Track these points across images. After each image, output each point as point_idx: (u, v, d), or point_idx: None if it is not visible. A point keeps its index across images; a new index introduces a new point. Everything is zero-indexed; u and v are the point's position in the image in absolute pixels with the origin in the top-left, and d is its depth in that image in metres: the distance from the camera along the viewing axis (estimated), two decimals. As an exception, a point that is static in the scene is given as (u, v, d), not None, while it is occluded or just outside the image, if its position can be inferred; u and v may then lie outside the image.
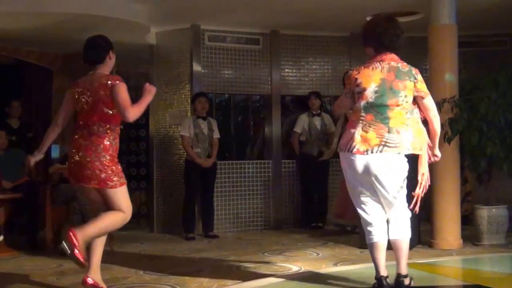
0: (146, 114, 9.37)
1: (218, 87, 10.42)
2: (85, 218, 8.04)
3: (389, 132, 5.27)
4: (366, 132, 5.30)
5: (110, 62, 5.75)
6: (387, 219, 5.48)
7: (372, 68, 5.38)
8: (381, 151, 5.25)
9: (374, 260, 5.41)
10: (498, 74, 8.06)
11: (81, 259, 5.24)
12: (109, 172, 5.46)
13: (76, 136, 5.57)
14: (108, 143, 5.49)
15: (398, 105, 5.30)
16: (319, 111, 10.37)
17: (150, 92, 5.57)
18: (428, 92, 5.46)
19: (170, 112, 10.14)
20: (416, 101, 5.43)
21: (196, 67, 10.09)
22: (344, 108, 5.85)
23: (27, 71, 11.52)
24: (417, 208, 5.45)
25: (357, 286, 5.81)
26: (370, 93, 5.31)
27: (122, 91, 5.44)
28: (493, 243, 8.05)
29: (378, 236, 5.40)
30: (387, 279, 5.34)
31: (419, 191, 5.44)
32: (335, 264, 6.95)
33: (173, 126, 10.19)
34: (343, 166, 5.48)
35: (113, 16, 8.71)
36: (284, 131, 10.83)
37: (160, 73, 10.44)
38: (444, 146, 7.69)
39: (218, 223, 9.91)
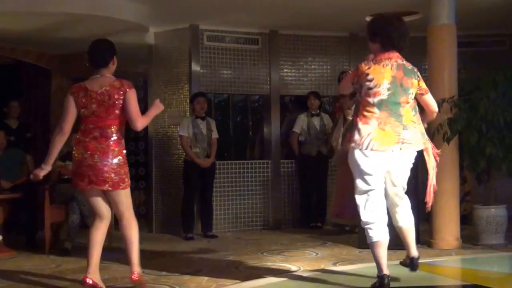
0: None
1: (217, 87, 10.41)
2: (84, 218, 8.07)
3: (404, 129, 5.40)
4: (383, 129, 5.37)
5: (113, 67, 5.79)
6: (392, 208, 5.64)
7: (383, 65, 5.44)
8: (400, 149, 5.39)
9: (377, 259, 5.43)
10: (497, 74, 8.06)
11: None
12: (122, 173, 5.58)
13: (86, 139, 5.58)
14: (122, 145, 5.63)
15: (407, 103, 5.45)
16: (318, 111, 10.37)
17: (158, 108, 5.81)
18: (427, 89, 5.66)
19: (169, 112, 10.13)
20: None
21: (195, 67, 10.08)
22: (347, 91, 5.82)
23: (25, 71, 11.52)
24: (431, 201, 5.72)
25: (356, 286, 5.80)
26: (383, 90, 5.37)
27: (134, 99, 5.62)
28: (492, 243, 8.04)
29: (382, 234, 5.44)
30: (389, 278, 5.37)
31: (434, 182, 5.68)
32: (334, 264, 6.94)
33: (172, 126, 10.18)
34: (355, 162, 5.45)
35: (111, 16, 8.71)
36: (283, 131, 10.82)
37: (158, 73, 10.43)
38: (443, 146, 7.69)
39: (217, 223, 9.91)
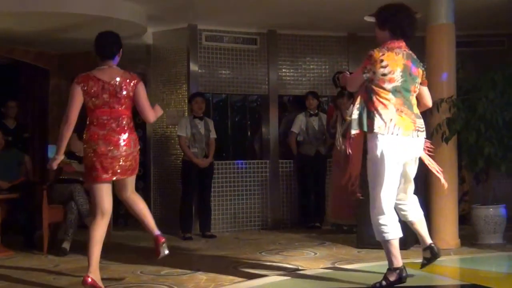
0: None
1: (215, 87, 10.41)
2: (81, 218, 8.06)
3: (415, 117, 5.53)
4: (400, 116, 5.45)
5: (118, 59, 5.94)
6: (401, 202, 5.75)
7: (396, 53, 5.49)
8: (417, 136, 5.53)
9: (394, 252, 5.55)
10: (496, 74, 8.06)
11: None
12: (137, 158, 5.90)
13: (104, 132, 5.69)
14: (135, 133, 5.92)
15: (415, 92, 5.58)
16: (316, 111, 10.36)
17: (160, 112, 6.16)
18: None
19: (167, 112, 10.12)
20: None
21: (193, 67, 10.08)
22: (357, 86, 5.69)
23: (23, 71, 11.50)
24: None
25: (355, 286, 5.79)
26: (397, 77, 5.44)
27: (145, 92, 5.92)
28: (491, 242, 8.06)
29: (399, 231, 5.58)
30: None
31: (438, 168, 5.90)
32: (333, 264, 6.94)
33: (170, 126, 10.18)
34: (379, 149, 5.44)
35: (110, 16, 8.69)
36: (282, 131, 10.81)
37: (157, 73, 10.43)
38: (442, 146, 7.70)
39: (215, 223, 9.91)
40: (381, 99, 5.44)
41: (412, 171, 5.69)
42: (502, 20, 9.85)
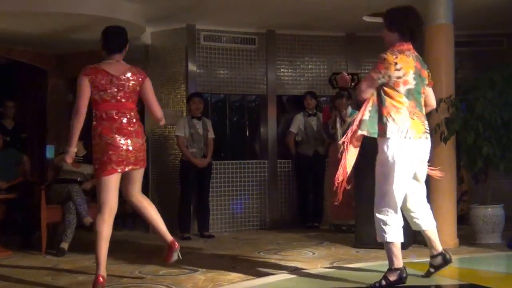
0: (141, 114, 9.35)
1: (213, 87, 10.40)
2: (80, 218, 8.04)
3: (424, 119, 5.60)
4: (413, 119, 5.49)
5: (124, 54, 6.02)
6: (414, 210, 5.82)
7: (407, 56, 5.52)
8: (426, 138, 5.58)
9: (396, 252, 5.59)
10: (494, 73, 8.06)
11: None
12: (145, 150, 6.05)
13: (116, 125, 5.77)
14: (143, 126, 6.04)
15: (423, 93, 5.63)
16: (315, 111, 10.36)
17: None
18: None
19: (165, 112, 10.09)
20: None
21: (192, 67, 10.08)
22: (372, 92, 5.64)
23: (21, 71, 11.49)
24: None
25: (353, 286, 5.79)
26: (410, 79, 5.48)
27: (152, 87, 6.09)
28: (489, 242, 8.05)
29: (402, 235, 5.63)
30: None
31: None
32: (331, 264, 6.93)
33: (169, 126, 10.16)
34: (391, 152, 5.46)
35: (107, 16, 8.67)
36: (280, 131, 10.81)
37: (155, 73, 10.40)
38: (441, 146, 7.70)
39: (213, 223, 9.90)
40: (394, 103, 5.47)
41: (423, 173, 5.74)
42: (501, 20, 9.85)
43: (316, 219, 10.22)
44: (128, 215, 10.30)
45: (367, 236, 7.86)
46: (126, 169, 5.81)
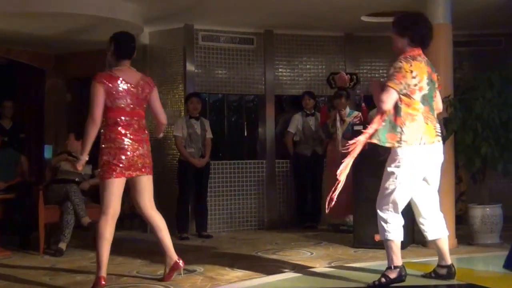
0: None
1: (211, 87, 10.40)
2: (78, 219, 8.03)
3: (436, 122, 5.63)
4: (427, 123, 5.53)
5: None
6: (426, 217, 5.84)
7: (419, 61, 5.53)
8: (438, 141, 5.61)
9: (396, 251, 5.62)
10: (493, 73, 8.06)
11: None
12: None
13: (129, 132, 5.85)
14: None
15: (435, 97, 5.67)
16: (313, 111, 10.36)
17: None
18: None
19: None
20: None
21: (190, 67, 10.07)
22: (393, 101, 5.53)
23: (19, 71, 11.48)
24: None
25: (351, 286, 5.80)
26: (424, 84, 5.51)
27: (158, 95, 6.26)
28: (488, 242, 8.05)
29: (402, 235, 5.66)
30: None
31: None
32: (329, 264, 6.92)
33: (167, 126, 10.14)
34: (404, 157, 5.49)
35: (106, 16, 8.69)
36: (278, 131, 10.81)
37: (153, 73, 10.38)
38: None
39: (211, 223, 9.89)
40: (410, 111, 5.48)
41: (436, 179, 5.76)
42: (499, 19, 9.85)
43: (314, 219, 10.21)
44: (126, 216, 10.27)
45: (365, 236, 7.87)
46: (134, 174, 5.89)
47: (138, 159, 5.89)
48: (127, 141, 5.82)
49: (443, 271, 5.87)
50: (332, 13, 9.45)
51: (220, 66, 10.39)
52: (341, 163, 5.63)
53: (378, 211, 5.66)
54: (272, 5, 9.09)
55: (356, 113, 9.74)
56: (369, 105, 9.79)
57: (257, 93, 10.77)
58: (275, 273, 6.44)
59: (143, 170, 5.96)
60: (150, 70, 10.41)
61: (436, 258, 6.07)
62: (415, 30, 5.62)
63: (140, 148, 5.90)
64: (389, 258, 5.64)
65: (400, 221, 5.63)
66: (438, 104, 5.85)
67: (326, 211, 5.70)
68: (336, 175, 5.61)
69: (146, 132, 6.04)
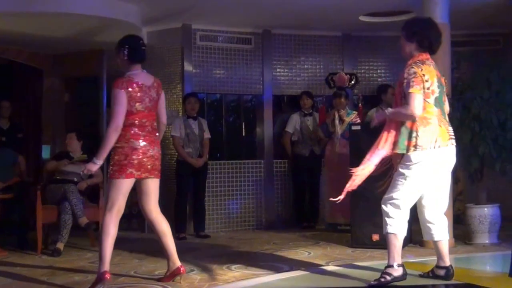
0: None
1: (209, 87, 10.40)
2: (75, 219, 8.03)
3: (448, 125, 5.65)
4: (440, 126, 5.55)
5: None
6: (431, 219, 5.83)
7: (428, 65, 5.57)
8: (452, 144, 5.62)
9: (398, 249, 5.64)
10: (491, 73, 8.06)
11: None
12: None
13: (144, 133, 5.90)
14: None
15: (444, 100, 5.70)
16: (310, 110, 10.36)
17: None
18: None
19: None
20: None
21: (188, 67, 10.07)
22: (422, 104, 5.53)
23: (17, 71, 11.47)
24: None
25: (349, 285, 5.79)
26: (435, 88, 5.54)
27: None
28: (485, 242, 8.05)
29: (405, 232, 5.69)
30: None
31: None
32: (327, 263, 6.92)
33: (166, 126, 10.14)
34: (418, 165, 5.51)
35: (104, 16, 8.69)
36: (276, 131, 10.80)
37: (151, 72, 10.21)
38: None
39: (209, 223, 9.90)
40: (424, 114, 5.50)
41: (447, 181, 5.78)
42: (497, 19, 9.85)
43: (312, 219, 10.21)
44: (123, 216, 10.26)
45: (363, 236, 7.87)
46: (143, 176, 5.92)
47: (148, 160, 5.91)
48: (141, 142, 5.87)
49: (442, 272, 5.87)
50: (330, 13, 9.46)
51: (218, 66, 10.39)
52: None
53: (382, 205, 5.69)
54: (270, 5, 9.10)
55: (355, 113, 9.74)
56: (366, 105, 9.82)
57: (255, 93, 10.77)
58: (273, 273, 6.44)
59: (152, 172, 5.98)
60: (148, 70, 10.37)
61: (432, 258, 6.08)
62: (424, 35, 5.66)
63: (151, 149, 5.93)
64: (391, 256, 5.64)
65: (404, 216, 5.64)
66: (447, 106, 5.85)
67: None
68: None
69: (157, 134, 6.10)
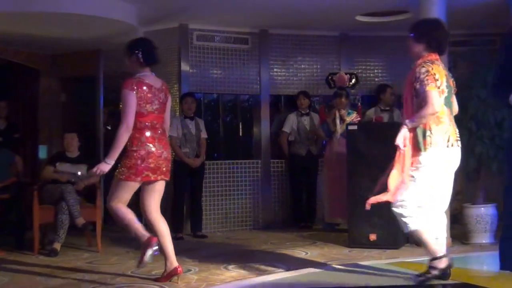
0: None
1: (206, 86, 10.40)
2: (72, 219, 8.02)
3: (455, 126, 5.67)
4: (450, 126, 5.59)
5: None
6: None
7: (437, 65, 5.60)
8: (458, 145, 5.63)
9: (431, 240, 5.62)
10: (488, 73, 8.05)
11: None
12: None
13: (157, 136, 5.95)
14: None
15: (452, 101, 5.71)
16: (307, 110, 10.36)
17: None
18: None
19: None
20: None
21: (185, 67, 10.07)
22: (440, 101, 5.56)
23: (14, 71, 11.45)
24: None
25: (347, 285, 5.80)
26: (445, 87, 5.56)
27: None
28: (482, 241, 8.06)
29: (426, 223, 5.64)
30: None
31: None
32: (324, 263, 6.92)
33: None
34: (427, 165, 5.51)
35: (101, 15, 8.68)
36: (273, 131, 10.80)
37: (148, 72, 10.38)
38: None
39: (206, 223, 9.89)
40: (437, 113, 5.51)
41: (451, 180, 5.74)
42: (494, 19, 9.83)
43: (309, 219, 10.22)
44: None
45: (360, 236, 7.87)
46: (159, 178, 6.00)
47: (163, 162, 5.98)
48: (155, 145, 5.91)
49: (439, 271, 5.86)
50: (327, 13, 9.46)
51: (215, 66, 10.39)
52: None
53: (393, 209, 5.64)
54: (267, 5, 9.10)
55: (355, 113, 9.74)
56: (364, 105, 9.81)
57: (252, 93, 10.76)
58: (270, 273, 6.44)
59: (166, 174, 6.07)
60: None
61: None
62: (432, 36, 5.69)
63: (165, 152, 6.00)
64: (431, 250, 5.63)
65: (417, 211, 5.57)
66: (456, 107, 5.86)
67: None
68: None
69: (167, 136, 6.18)
